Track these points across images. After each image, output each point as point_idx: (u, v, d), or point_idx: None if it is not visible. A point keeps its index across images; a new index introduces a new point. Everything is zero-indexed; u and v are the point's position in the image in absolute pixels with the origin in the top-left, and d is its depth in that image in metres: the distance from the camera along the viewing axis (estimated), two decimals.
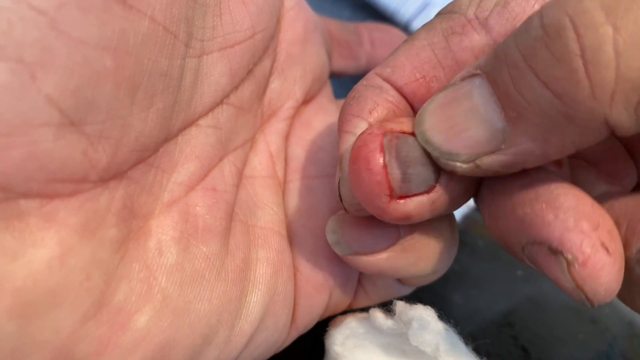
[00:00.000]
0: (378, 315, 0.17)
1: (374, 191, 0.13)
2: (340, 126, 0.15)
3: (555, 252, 0.11)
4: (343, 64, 0.24)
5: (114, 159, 0.11)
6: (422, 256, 0.15)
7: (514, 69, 0.11)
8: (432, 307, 0.16)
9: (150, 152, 0.12)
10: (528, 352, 0.23)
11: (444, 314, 0.16)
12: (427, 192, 0.13)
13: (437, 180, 0.13)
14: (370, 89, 0.15)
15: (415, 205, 0.13)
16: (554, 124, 0.10)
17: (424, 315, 0.15)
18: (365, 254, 0.15)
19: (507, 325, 0.23)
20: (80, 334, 0.11)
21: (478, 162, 0.12)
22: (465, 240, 0.28)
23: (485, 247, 0.28)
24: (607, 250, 0.11)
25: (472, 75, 0.12)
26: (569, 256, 0.11)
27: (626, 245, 0.12)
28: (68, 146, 0.10)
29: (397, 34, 0.29)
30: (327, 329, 0.18)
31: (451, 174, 0.13)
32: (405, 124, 0.13)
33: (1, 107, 0.09)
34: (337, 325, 0.18)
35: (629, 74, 0.09)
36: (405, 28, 0.32)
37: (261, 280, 0.15)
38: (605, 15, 0.09)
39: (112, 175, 0.11)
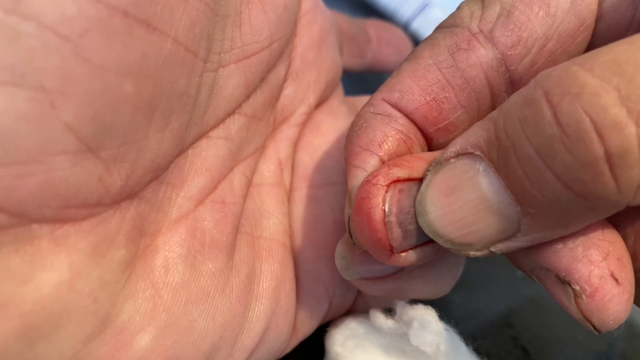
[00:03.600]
0: (378, 315, 0.17)
1: (375, 246, 0.12)
2: (349, 159, 0.14)
3: (563, 281, 0.11)
4: (350, 62, 0.24)
5: (128, 182, 0.11)
6: (429, 281, 0.15)
7: (529, 165, 0.10)
8: (432, 308, 0.16)
9: (163, 170, 0.12)
10: (528, 353, 0.22)
11: (444, 315, 0.16)
12: (431, 241, 0.12)
13: None
14: (379, 117, 0.14)
15: (418, 256, 0.13)
16: (575, 215, 0.10)
17: (425, 315, 0.15)
18: (373, 280, 0.15)
19: (507, 325, 0.23)
20: (83, 354, 0.11)
21: (492, 248, 0.11)
22: None
23: None
24: (616, 280, 0.11)
25: (470, 154, 0.11)
26: (577, 287, 0.11)
27: (635, 257, 0.12)
28: (84, 172, 0.10)
29: (400, 34, 0.29)
30: (327, 329, 0.18)
31: None
32: (414, 167, 0.13)
33: (19, 136, 0.09)
34: (337, 325, 0.18)
35: None
36: (404, 28, 0.32)
37: (264, 295, 0.15)
38: (627, 111, 0.09)
39: (124, 197, 0.11)
